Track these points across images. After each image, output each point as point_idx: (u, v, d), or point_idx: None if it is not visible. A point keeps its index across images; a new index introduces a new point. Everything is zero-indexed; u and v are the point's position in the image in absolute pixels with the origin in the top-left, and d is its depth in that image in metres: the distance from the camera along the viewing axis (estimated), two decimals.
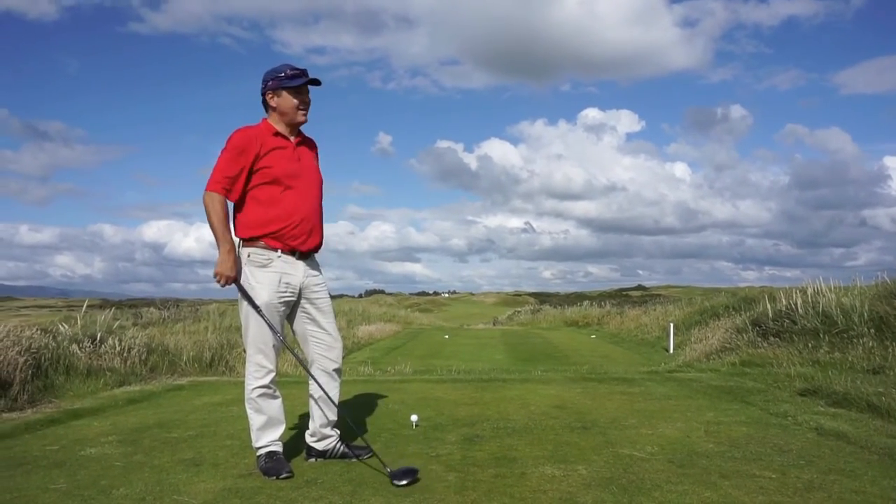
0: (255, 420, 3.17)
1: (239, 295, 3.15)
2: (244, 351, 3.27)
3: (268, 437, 3.16)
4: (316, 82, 3.21)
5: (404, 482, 2.85)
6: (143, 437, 3.96)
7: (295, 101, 3.16)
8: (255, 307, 3.08)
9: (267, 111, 3.24)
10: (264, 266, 3.13)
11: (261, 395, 3.15)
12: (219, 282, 3.04)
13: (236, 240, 3.23)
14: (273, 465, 3.08)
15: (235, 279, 3.08)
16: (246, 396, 3.18)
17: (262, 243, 3.13)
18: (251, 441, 3.20)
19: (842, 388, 4.89)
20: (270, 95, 3.18)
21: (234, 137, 3.12)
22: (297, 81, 3.15)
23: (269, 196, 3.11)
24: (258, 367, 3.13)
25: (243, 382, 3.22)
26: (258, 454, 3.17)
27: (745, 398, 5.12)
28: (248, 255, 3.14)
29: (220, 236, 3.05)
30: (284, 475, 3.02)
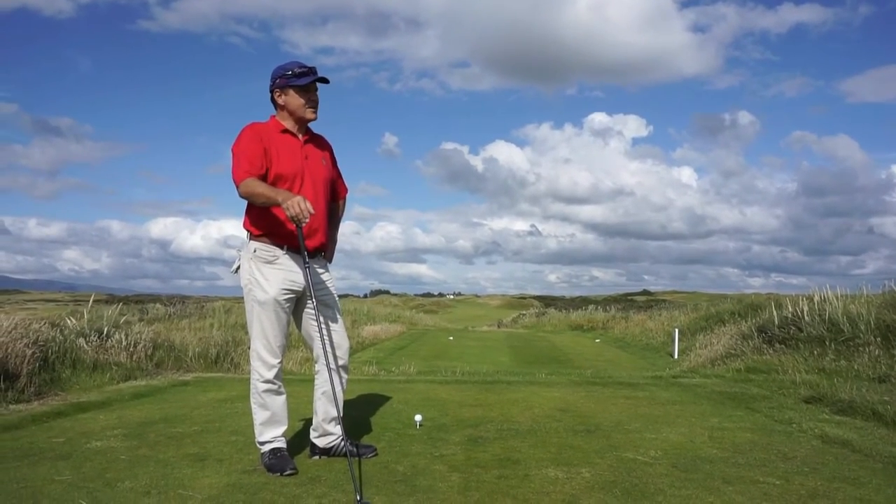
0: (259, 415, 3.18)
1: (244, 290, 3.17)
2: (248, 348, 3.28)
3: (271, 432, 3.18)
4: (324, 80, 3.19)
5: None
6: (149, 432, 3.98)
7: (302, 99, 3.15)
8: (261, 302, 3.10)
9: (275, 108, 3.24)
10: (270, 262, 3.13)
11: (266, 391, 3.16)
12: (302, 216, 2.88)
13: (243, 233, 3.24)
14: (277, 462, 3.09)
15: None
16: (251, 391, 3.20)
17: (267, 239, 3.14)
18: (254, 437, 3.22)
19: (847, 395, 4.87)
20: (278, 93, 3.17)
21: (245, 131, 3.13)
22: (305, 80, 3.13)
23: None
24: (263, 363, 3.15)
25: (248, 379, 3.24)
26: (262, 450, 3.19)
27: (749, 404, 5.11)
28: (255, 251, 3.15)
29: (274, 195, 2.95)
30: (288, 472, 3.03)
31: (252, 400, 3.21)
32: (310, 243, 3.17)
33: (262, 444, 3.18)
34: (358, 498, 2.62)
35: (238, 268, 3.24)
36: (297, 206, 2.87)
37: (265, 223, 3.13)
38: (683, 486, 2.92)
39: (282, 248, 3.15)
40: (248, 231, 3.21)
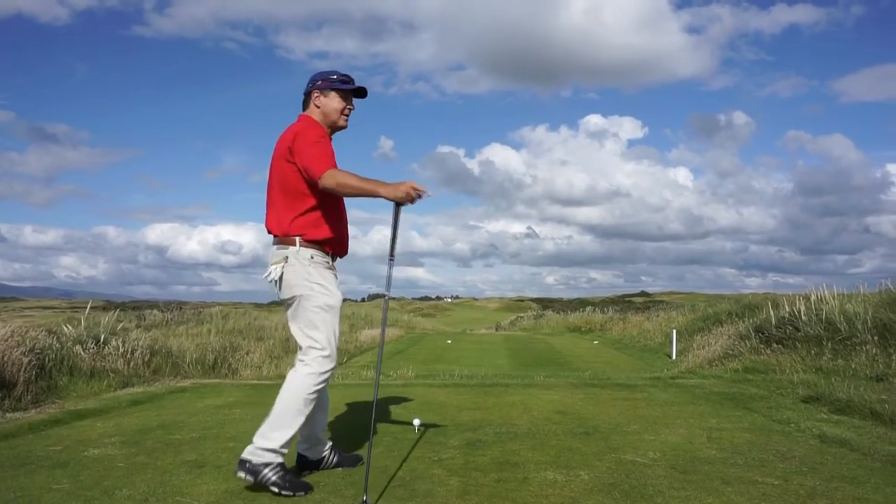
0: (295, 423, 2.97)
1: (302, 297, 3.02)
2: (301, 350, 3.06)
3: (288, 440, 2.98)
4: (363, 93, 3.23)
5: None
6: (146, 439, 3.97)
7: (342, 103, 3.17)
8: (332, 306, 3.04)
9: (305, 108, 3.21)
10: (329, 269, 3.12)
11: (317, 394, 3.01)
12: (412, 196, 2.86)
13: (294, 239, 3.05)
14: (288, 483, 2.90)
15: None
16: (299, 394, 2.97)
17: (320, 247, 3.08)
18: (262, 437, 3.01)
19: (845, 395, 4.88)
20: (317, 94, 3.16)
21: (315, 125, 3.10)
22: (349, 86, 3.17)
23: (329, 201, 3.07)
24: (324, 370, 3.01)
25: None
26: (266, 459, 2.95)
27: (747, 405, 5.12)
28: (312, 257, 3.05)
29: (371, 185, 2.87)
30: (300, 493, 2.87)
31: (297, 403, 2.96)
32: (347, 249, 3.25)
33: (269, 447, 2.99)
34: (364, 498, 2.62)
35: (280, 276, 3.05)
36: (412, 190, 2.84)
37: (326, 231, 3.07)
38: (682, 487, 2.93)
39: (332, 256, 3.15)
40: (295, 236, 3.04)
